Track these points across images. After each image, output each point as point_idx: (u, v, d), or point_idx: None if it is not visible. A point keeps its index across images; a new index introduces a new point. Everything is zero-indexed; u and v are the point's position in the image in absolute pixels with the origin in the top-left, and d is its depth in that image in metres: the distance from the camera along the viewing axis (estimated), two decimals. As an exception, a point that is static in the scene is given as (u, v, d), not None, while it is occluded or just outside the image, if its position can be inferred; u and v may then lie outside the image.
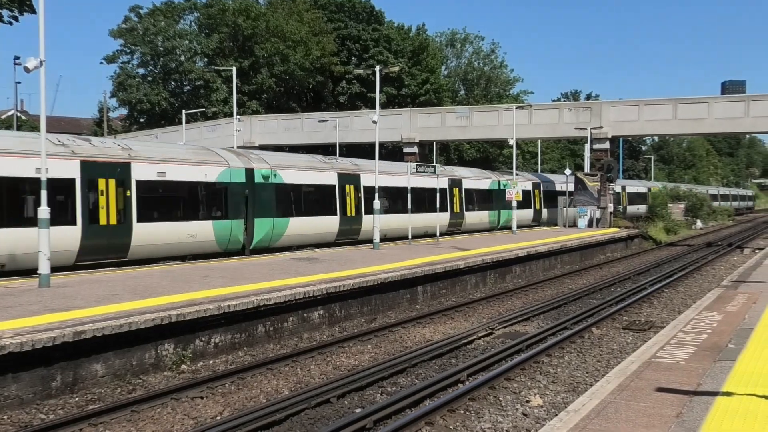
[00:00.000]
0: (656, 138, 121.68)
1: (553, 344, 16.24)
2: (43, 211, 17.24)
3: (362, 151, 59.75)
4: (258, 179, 29.54)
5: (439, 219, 37.98)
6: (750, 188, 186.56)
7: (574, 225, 49.56)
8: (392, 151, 62.65)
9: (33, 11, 41.70)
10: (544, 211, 57.00)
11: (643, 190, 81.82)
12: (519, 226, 44.83)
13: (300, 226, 31.63)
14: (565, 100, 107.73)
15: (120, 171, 24.32)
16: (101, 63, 68.87)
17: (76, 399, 12.13)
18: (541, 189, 56.86)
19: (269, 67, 66.03)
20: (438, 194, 37.40)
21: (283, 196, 31.07)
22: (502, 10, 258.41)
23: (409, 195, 34.70)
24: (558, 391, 12.96)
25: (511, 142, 46.43)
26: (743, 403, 9.19)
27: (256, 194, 29.37)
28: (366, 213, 34.86)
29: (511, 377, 13.60)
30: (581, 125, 49.85)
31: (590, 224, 48.73)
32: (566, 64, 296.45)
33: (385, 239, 33.74)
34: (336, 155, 52.27)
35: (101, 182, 23.67)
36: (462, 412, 11.59)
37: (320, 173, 33.80)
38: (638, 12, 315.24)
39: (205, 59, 67.31)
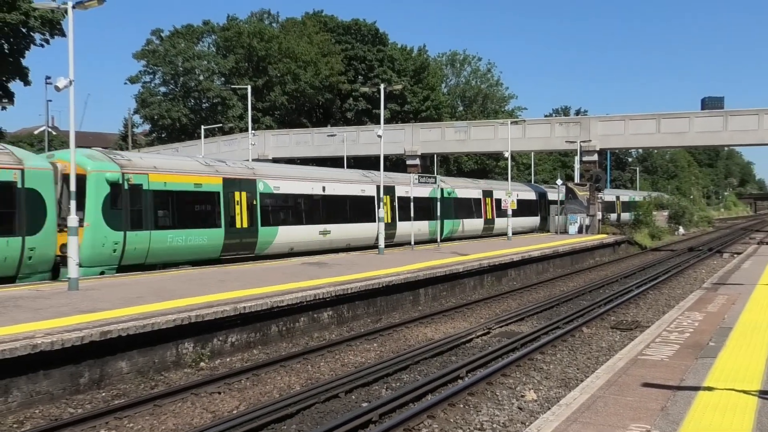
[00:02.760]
0: (641, 150, 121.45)
1: (547, 343, 16.21)
2: (73, 220, 17.25)
3: (369, 163, 59.84)
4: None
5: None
6: (728, 198, 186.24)
7: (565, 231, 49.50)
8: (396, 163, 62.71)
9: (63, 35, 42.02)
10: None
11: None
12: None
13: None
14: (556, 116, 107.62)
15: None
16: (125, 83, 69.15)
17: (103, 394, 12.13)
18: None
19: (281, 85, 66.23)
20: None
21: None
22: (498, 32, 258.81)
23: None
24: (551, 386, 12.93)
25: (507, 154, 46.43)
26: (723, 397, 9.16)
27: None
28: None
29: (507, 373, 13.56)
30: (571, 139, 49.83)
31: (580, 231, 48.67)
32: (557, 81, 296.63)
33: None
34: (344, 167, 52.45)
35: None
36: (461, 406, 11.56)
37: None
38: (624, 34, 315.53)
39: (222, 78, 67.58)
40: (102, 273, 21.98)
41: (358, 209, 33.92)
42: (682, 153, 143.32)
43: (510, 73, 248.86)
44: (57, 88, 17.46)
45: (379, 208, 30.65)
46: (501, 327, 18.72)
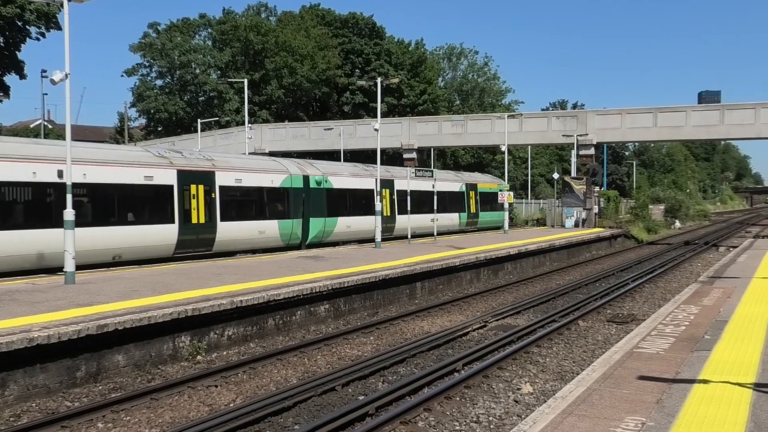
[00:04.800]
0: (638, 144, 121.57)
1: (543, 336, 16.24)
2: (69, 213, 17.25)
3: (365, 156, 59.81)
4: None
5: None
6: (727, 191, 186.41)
7: (561, 225, 49.56)
8: (393, 157, 62.72)
9: (59, 28, 41.91)
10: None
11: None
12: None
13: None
14: (553, 109, 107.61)
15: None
16: (122, 76, 69.12)
17: (100, 388, 12.14)
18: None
19: (278, 79, 66.10)
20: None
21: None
22: (495, 26, 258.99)
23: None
24: (547, 379, 12.96)
25: (503, 148, 46.44)
26: (718, 390, 9.20)
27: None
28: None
29: (504, 366, 13.59)
30: (568, 132, 49.86)
31: (577, 224, 48.72)
32: (554, 75, 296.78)
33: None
34: (341, 161, 52.46)
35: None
36: (458, 399, 11.59)
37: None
38: (621, 28, 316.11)
39: (219, 72, 67.45)
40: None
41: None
42: (678, 147, 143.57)
43: (507, 67, 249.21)
44: (53, 82, 17.41)
45: (380, 201, 32.22)
46: (497, 320, 18.75)
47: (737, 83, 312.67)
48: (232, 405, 11.21)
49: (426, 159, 59.36)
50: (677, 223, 71.08)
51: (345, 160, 52.28)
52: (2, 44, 41.42)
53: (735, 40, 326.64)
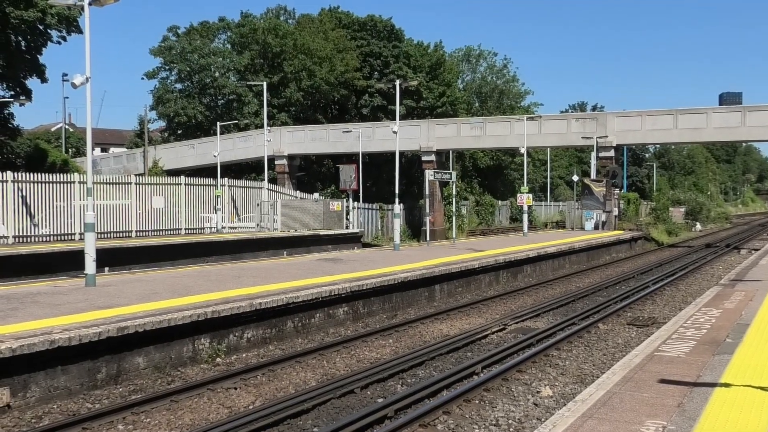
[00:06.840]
0: (658, 146, 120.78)
1: (562, 339, 16.17)
2: (89, 216, 17.38)
3: (384, 159, 59.85)
4: None
5: None
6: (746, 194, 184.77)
7: (581, 227, 49.35)
8: (411, 160, 62.67)
9: (80, 32, 42.24)
10: None
11: None
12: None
13: None
14: (572, 111, 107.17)
15: None
16: (142, 78, 69.44)
17: (120, 389, 12.21)
18: None
19: (297, 81, 66.23)
20: None
21: None
22: (514, 29, 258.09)
23: None
24: (566, 382, 12.91)
25: (523, 150, 46.31)
26: (740, 393, 9.12)
27: None
28: None
29: (523, 369, 13.55)
30: (588, 135, 49.64)
31: (596, 227, 48.52)
32: (573, 77, 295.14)
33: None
34: (359, 164, 52.53)
35: None
36: (477, 402, 11.56)
37: None
38: (641, 29, 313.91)
39: (238, 75, 67.66)
40: None
41: None
42: (699, 149, 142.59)
43: (526, 69, 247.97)
44: (74, 85, 17.56)
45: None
46: (516, 323, 18.70)
47: (759, 84, 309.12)
48: (251, 407, 11.24)
49: (445, 161, 59.26)
50: (698, 226, 70.64)
51: (363, 163, 52.35)
52: (24, 48, 41.76)
53: (756, 40, 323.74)
